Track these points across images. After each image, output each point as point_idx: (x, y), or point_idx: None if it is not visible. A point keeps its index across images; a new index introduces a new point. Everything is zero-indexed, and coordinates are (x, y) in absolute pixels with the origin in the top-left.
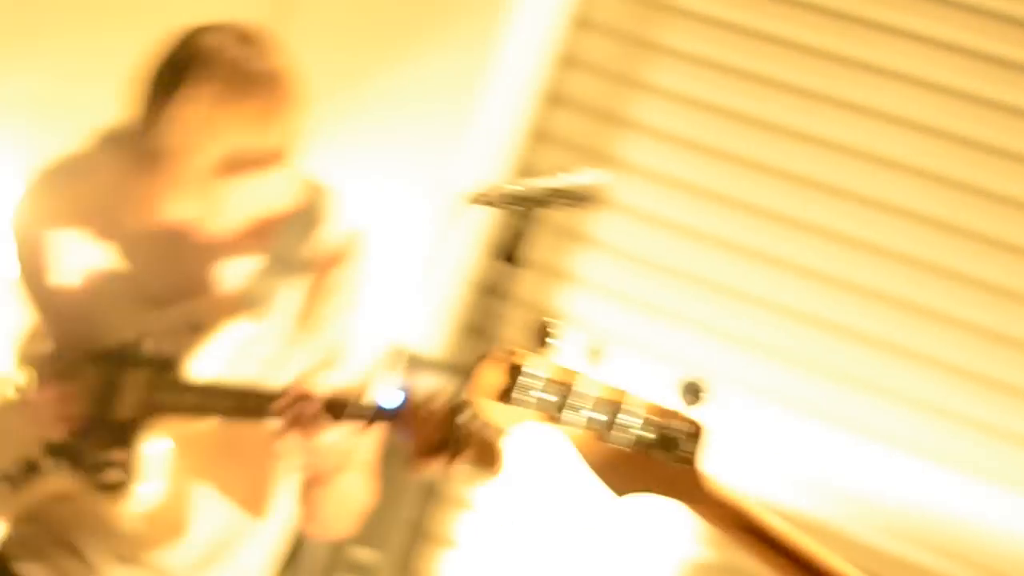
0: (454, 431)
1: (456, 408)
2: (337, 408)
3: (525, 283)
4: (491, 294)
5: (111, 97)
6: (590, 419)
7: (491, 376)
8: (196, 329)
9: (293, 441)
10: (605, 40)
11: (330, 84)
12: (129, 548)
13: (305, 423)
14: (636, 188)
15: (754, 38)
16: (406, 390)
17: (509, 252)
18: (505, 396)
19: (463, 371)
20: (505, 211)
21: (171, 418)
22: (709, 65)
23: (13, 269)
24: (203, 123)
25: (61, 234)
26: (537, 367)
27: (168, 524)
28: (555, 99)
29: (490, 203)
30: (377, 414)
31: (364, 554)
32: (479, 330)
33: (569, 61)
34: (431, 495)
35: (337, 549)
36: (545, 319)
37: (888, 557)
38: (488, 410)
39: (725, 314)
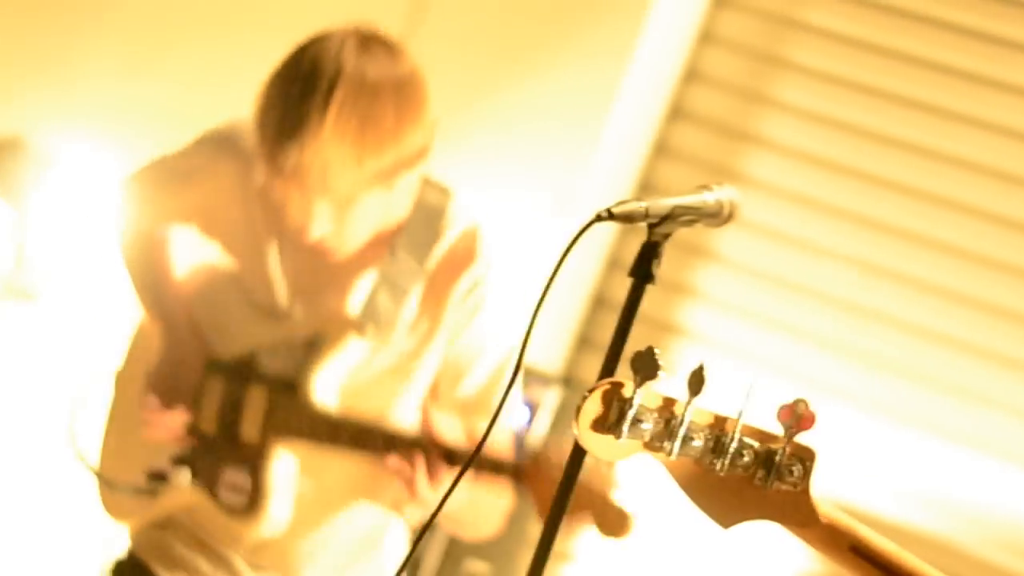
0: (579, 491)
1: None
2: (457, 459)
3: (647, 297)
4: (616, 309)
5: (245, 104)
6: (696, 448)
7: (595, 408)
8: (313, 347)
9: (408, 488)
10: (731, 56)
11: (459, 96)
12: (259, 558)
13: (421, 475)
14: (760, 204)
15: (879, 54)
16: (527, 441)
17: (639, 268)
18: (610, 428)
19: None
20: (632, 227)
21: (297, 444)
22: (833, 81)
23: (120, 272)
24: (339, 147)
25: (172, 228)
26: (641, 397)
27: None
28: (681, 114)
29: (617, 219)
30: (500, 468)
31: (479, 567)
32: (598, 345)
33: (695, 77)
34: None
35: (453, 562)
36: (649, 347)
37: (1001, 571)
38: (593, 443)
39: (846, 329)
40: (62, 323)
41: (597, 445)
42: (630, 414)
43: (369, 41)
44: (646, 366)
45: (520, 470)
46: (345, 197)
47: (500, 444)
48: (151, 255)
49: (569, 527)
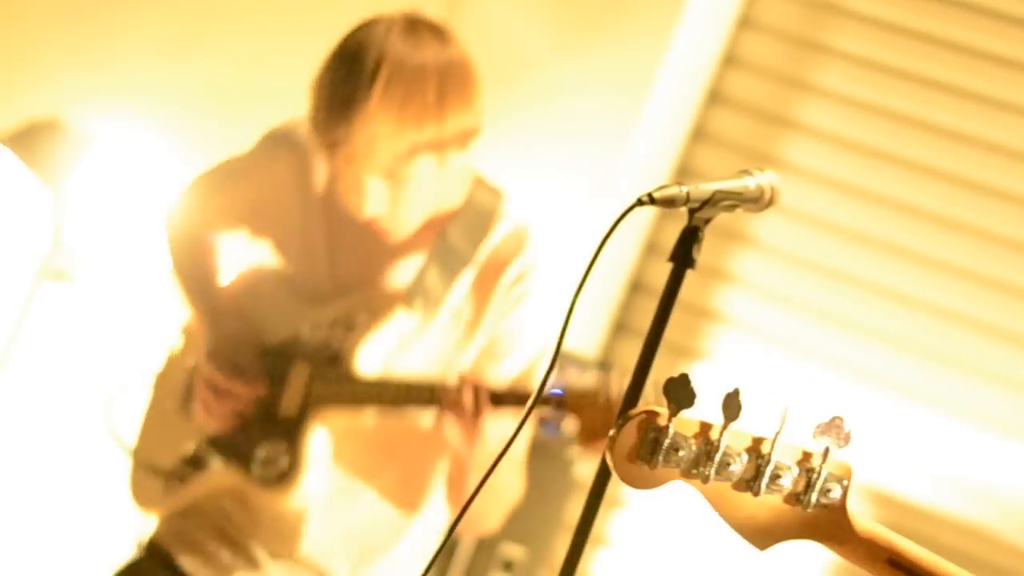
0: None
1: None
2: (500, 396)
3: (684, 282)
4: (652, 294)
5: (286, 84)
6: (733, 473)
7: (629, 438)
8: (360, 320)
9: (453, 427)
10: (769, 41)
11: (497, 81)
12: (280, 543)
13: (468, 410)
14: (797, 189)
15: (917, 40)
16: (566, 382)
17: (679, 253)
18: (645, 458)
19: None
20: (670, 212)
21: (334, 410)
22: (872, 66)
23: (167, 266)
24: (383, 121)
25: (221, 234)
26: (675, 424)
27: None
28: (719, 99)
29: (658, 203)
30: (541, 400)
31: (515, 551)
32: (634, 329)
33: (733, 62)
34: (582, 492)
35: (488, 546)
36: (683, 374)
37: None
38: (627, 474)
39: (883, 314)
40: (99, 304)
41: (631, 476)
42: (665, 444)
43: (416, 26)
44: (681, 394)
45: (563, 401)
46: (394, 172)
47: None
48: (201, 258)
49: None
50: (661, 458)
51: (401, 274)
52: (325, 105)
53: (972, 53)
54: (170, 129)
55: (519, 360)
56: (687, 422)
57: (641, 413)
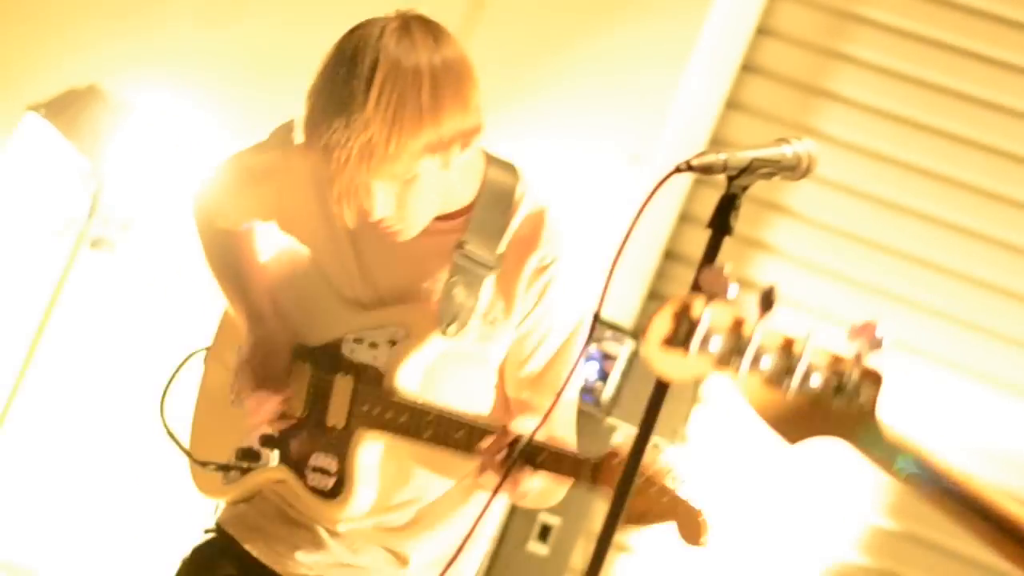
0: (655, 498)
1: (657, 476)
2: (537, 457)
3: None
4: (686, 263)
5: (315, 52)
6: (765, 368)
7: (665, 325)
8: (398, 344)
9: (490, 479)
10: (804, 11)
11: (537, 51)
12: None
13: (501, 467)
14: (831, 159)
15: (953, 10)
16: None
17: (717, 220)
18: (680, 345)
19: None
20: (704, 181)
21: (380, 433)
22: (907, 37)
23: (202, 260)
24: (381, 126)
25: (254, 223)
26: (711, 315)
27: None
28: (754, 70)
29: (696, 170)
30: (577, 470)
31: (552, 519)
32: (669, 298)
33: (768, 32)
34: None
35: (526, 513)
36: (718, 264)
37: None
38: (662, 361)
39: (918, 284)
40: (138, 272)
41: (666, 363)
42: (699, 331)
43: (411, 26)
44: (715, 284)
45: (597, 470)
46: (395, 176)
47: (565, 419)
48: (234, 249)
49: (646, 526)
50: (694, 345)
51: (431, 281)
52: (321, 110)
53: (1010, 25)
54: (209, 97)
55: (556, 339)
56: (722, 314)
57: (677, 302)
